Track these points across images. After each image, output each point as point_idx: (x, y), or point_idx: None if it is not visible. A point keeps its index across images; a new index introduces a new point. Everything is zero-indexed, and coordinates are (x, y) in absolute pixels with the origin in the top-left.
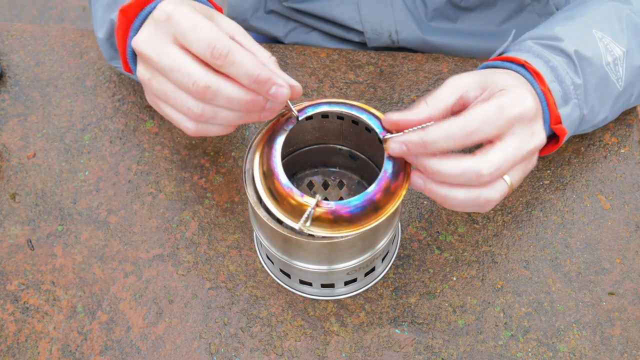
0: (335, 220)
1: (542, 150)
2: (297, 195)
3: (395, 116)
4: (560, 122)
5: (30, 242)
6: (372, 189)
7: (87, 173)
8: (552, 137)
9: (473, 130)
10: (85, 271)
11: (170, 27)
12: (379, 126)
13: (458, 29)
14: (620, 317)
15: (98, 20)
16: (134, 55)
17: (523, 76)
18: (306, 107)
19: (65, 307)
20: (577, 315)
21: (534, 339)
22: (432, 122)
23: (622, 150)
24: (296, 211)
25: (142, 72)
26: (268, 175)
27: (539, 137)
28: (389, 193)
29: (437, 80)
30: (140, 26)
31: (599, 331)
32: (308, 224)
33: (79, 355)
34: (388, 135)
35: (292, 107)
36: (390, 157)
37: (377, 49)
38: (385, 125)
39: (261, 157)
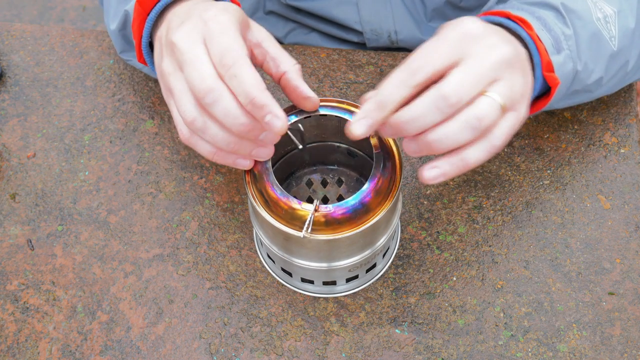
0: (334, 222)
1: (534, 105)
2: (294, 204)
3: (369, 94)
4: (553, 70)
5: (30, 242)
6: (366, 187)
7: (87, 173)
8: (544, 94)
9: (419, 65)
10: (85, 271)
11: (204, 29)
12: None
13: None
14: (620, 317)
15: (111, 12)
16: (149, 46)
17: (506, 26)
18: (289, 115)
19: (65, 307)
20: (577, 315)
21: (534, 339)
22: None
23: (622, 150)
24: (295, 219)
25: (166, 66)
26: (261, 187)
27: (502, 48)
28: (384, 188)
29: None
30: (156, 17)
31: (599, 331)
32: (309, 230)
33: (79, 355)
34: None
35: (294, 138)
36: (379, 153)
37: (376, 49)
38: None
39: (251, 173)
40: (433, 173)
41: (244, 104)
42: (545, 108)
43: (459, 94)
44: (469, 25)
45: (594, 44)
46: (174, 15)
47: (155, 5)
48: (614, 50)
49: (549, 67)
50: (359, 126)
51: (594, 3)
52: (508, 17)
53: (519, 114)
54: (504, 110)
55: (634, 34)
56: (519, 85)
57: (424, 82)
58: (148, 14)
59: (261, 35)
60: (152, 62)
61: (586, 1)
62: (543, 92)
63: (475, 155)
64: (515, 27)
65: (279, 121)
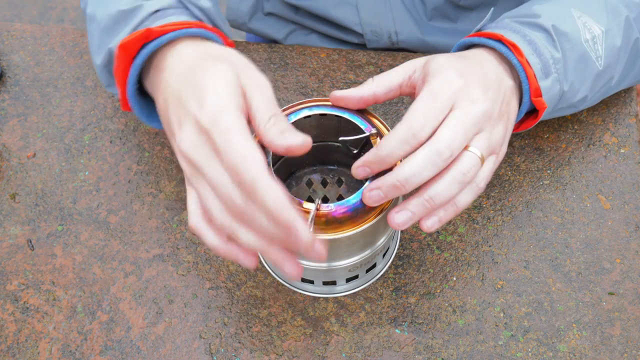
0: (335, 222)
1: (521, 124)
2: (295, 203)
3: (339, 92)
4: (541, 95)
5: (30, 242)
6: (367, 186)
7: (87, 173)
8: (532, 112)
9: (421, 126)
10: (85, 271)
11: (209, 140)
12: (362, 122)
13: (458, 29)
14: (620, 317)
15: (95, 45)
16: (134, 94)
17: (498, 50)
18: (288, 114)
19: (65, 307)
20: (577, 315)
21: (534, 339)
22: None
23: (622, 150)
24: None
25: (185, 166)
26: None
27: (483, 103)
28: None
29: None
30: (142, 64)
31: (599, 331)
32: (311, 229)
33: (79, 355)
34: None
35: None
36: None
37: (376, 50)
38: (332, 102)
39: None
40: (431, 222)
41: (264, 228)
42: (531, 127)
43: (451, 148)
44: (452, 79)
45: (581, 65)
46: (172, 74)
47: (139, 50)
48: (599, 70)
49: (537, 93)
50: (359, 172)
51: (584, 23)
52: (500, 40)
53: (498, 155)
54: (483, 160)
55: (619, 51)
56: (497, 133)
57: (424, 141)
58: (133, 59)
59: (253, 93)
60: (140, 109)
61: (576, 22)
62: (530, 110)
63: (464, 199)
64: (506, 53)
65: (304, 238)
